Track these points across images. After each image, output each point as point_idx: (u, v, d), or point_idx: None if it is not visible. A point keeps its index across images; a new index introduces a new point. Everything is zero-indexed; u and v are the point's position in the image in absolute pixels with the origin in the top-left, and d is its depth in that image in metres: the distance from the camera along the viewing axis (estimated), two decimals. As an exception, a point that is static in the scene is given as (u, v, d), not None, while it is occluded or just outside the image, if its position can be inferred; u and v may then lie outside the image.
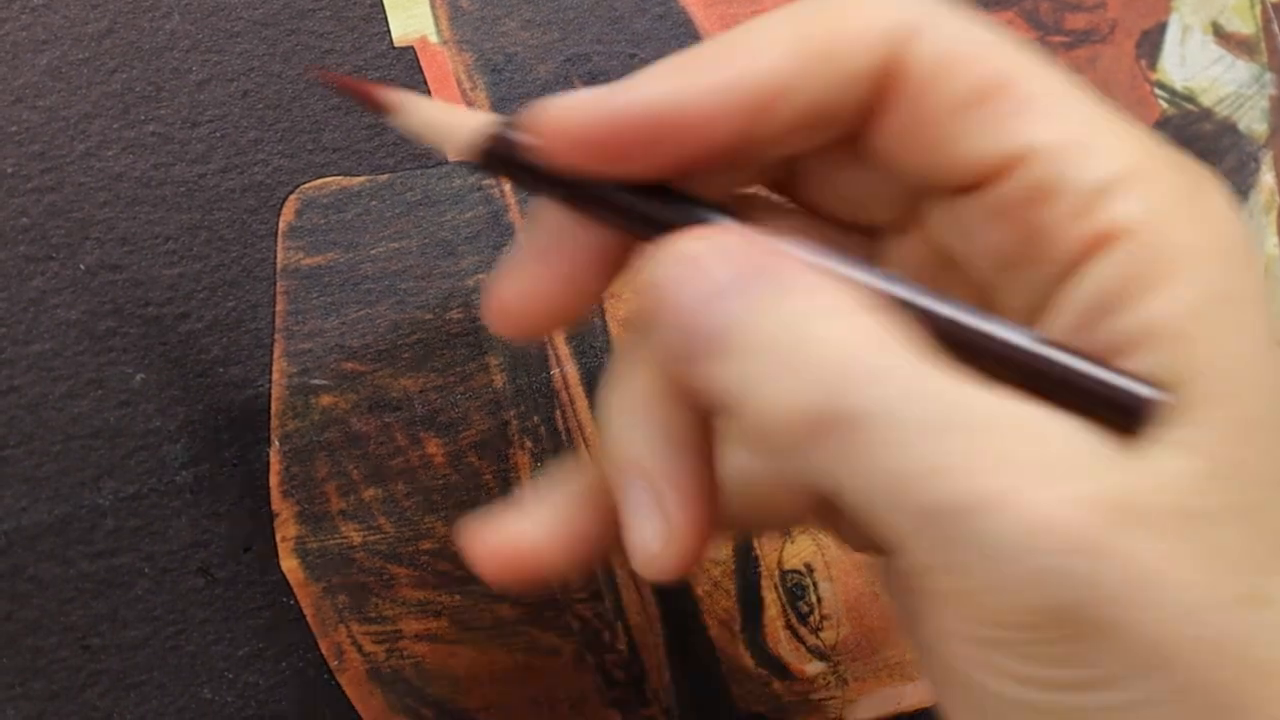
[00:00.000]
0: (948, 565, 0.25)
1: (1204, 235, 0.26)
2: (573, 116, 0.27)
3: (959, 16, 0.27)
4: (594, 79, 0.36)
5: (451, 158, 0.30)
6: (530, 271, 0.29)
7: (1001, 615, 0.25)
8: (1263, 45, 0.42)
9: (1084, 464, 0.25)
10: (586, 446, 0.34)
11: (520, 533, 0.30)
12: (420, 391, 0.33)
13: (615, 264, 0.29)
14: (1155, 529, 0.24)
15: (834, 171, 0.29)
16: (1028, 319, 0.27)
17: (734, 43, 0.27)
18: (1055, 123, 0.27)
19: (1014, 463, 0.25)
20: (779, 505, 0.31)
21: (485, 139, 0.27)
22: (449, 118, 0.28)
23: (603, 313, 0.35)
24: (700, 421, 0.29)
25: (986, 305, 0.27)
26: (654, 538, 0.29)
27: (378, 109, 0.28)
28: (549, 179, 0.27)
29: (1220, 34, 0.42)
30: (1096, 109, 0.27)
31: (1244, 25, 0.42)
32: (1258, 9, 0.42)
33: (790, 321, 0.26)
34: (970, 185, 0.27)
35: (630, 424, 0.29)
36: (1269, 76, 0.42)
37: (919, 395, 0.25)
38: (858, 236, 0.29)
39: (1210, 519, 0.25)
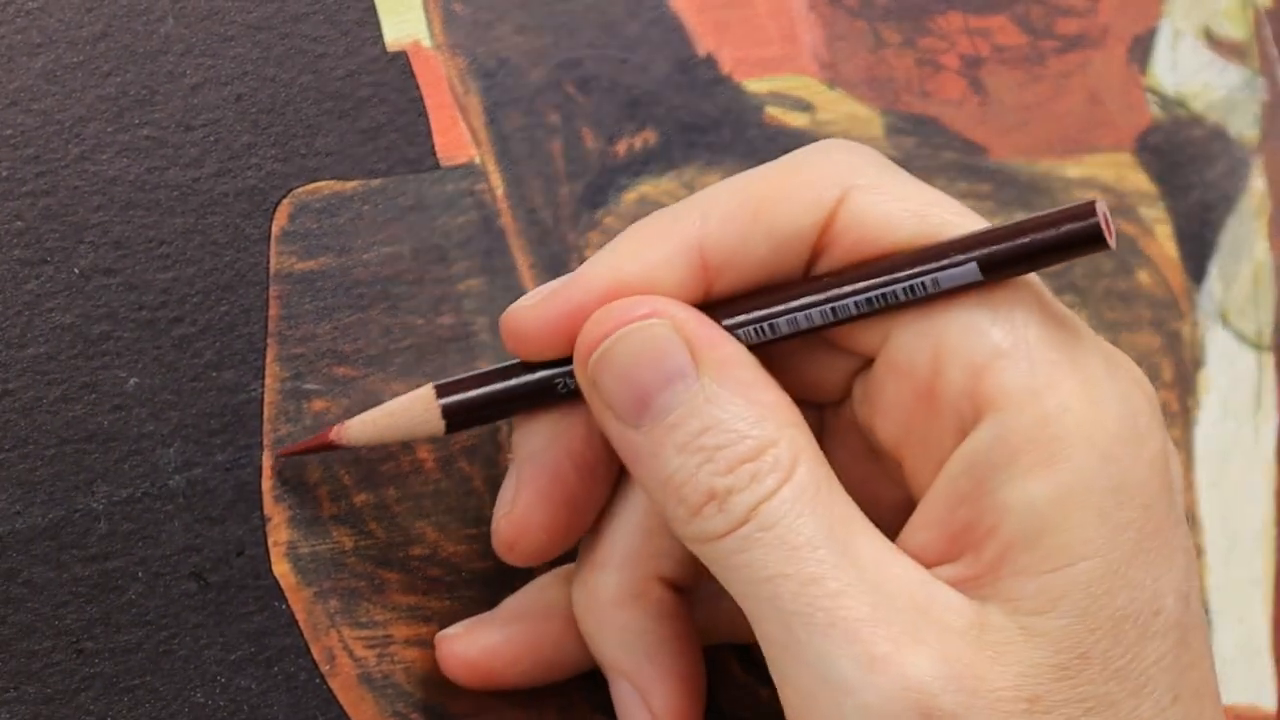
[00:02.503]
0: (796, 685, 0.26)
1: (1089, 416, 0.26)
2: (534, 318, 0.30)
3: (890, 179, 0.29)
4: (586, 83, 0.36)
5: (426, 438, 0.33)
6: (528, 506, 0.31)
7: None
8: (1254, 50, 0.42)
9: (952, 640, 0.25)
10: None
11: (490, 646, 0.32)
12: (412, 396, 0.34)
13: (604, 479, 0.31)
14: (998, 713, 0.25)
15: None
16: (926, 488, 0.28)
17: (680, 215, 0.29)
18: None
19: (888, 624, 0.26)
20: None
21: (441, 408, 0.31)
22: (397, 410, 0.31)
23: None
24: (671, 607, 0.31)
25: (897, 479, 0.29)
26: None
27: (330, 448, 0.32)
28: (512, 397, 0.30)
29: (1212, 39, 0.42)
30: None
31: (1235, 30, 0.42)
32: (1249, 14, 0.42)
33: (715, 421, 0.27)
34: (876, 347, 0.28)
35: (605, 629, 0.31)
36: (1260, 81, 0.42)
37: (821, 550, 0.26)
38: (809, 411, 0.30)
39: (1053, 712, 0.25)
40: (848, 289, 0.28)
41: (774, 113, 0.37)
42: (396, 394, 0.33)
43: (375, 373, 0.33)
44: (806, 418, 0.29)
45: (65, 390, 0.32)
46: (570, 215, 0.35)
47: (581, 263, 0.35)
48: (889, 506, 0.29)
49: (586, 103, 0.36)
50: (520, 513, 0.31)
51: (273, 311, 0.33)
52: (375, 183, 0.34)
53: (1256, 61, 0.42)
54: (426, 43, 0.35)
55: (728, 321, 0.29)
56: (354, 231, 0.34)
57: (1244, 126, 0.41)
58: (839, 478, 0.28)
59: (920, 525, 0.28)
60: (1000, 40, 0.39)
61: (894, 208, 0.28)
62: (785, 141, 0.37)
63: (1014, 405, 0.26)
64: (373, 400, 0.33)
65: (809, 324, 0.29)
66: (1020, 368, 0.26)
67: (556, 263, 0.35)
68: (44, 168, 0.32)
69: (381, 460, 0.33)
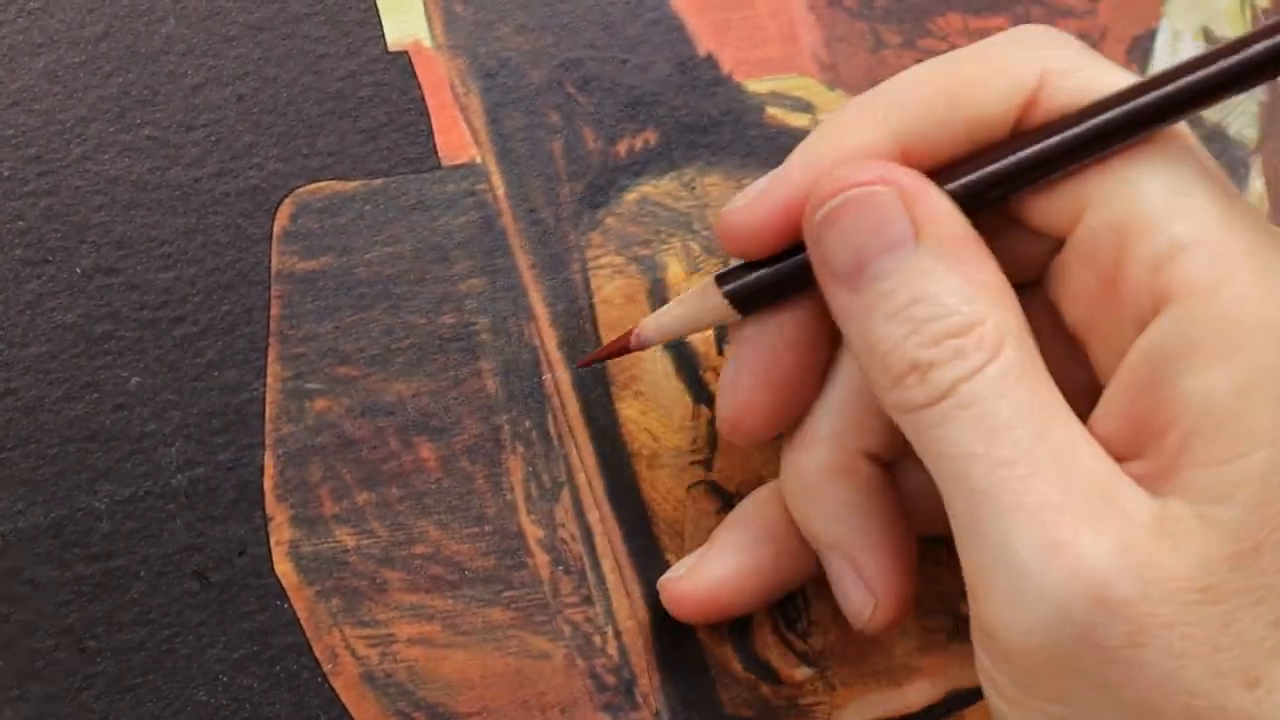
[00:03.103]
0: (978, 563, 0.26)
1: (1267, 307, 0.26)
2: (748, 217, 0.30)
3: (1086, 62, 0.29)
4: (587, 84, 0.36)
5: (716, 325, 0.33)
6: (748, 387, 0.32)
7: (1010, 633, 0.26)
8: (1253, 51, 0.42)
9: (1133, 530, 0.26)
10: (578, 451, 0.35)
11: (716, 580, 0.33)
12: (413, 396, 0.34)
13: (819, 360, 0.32)
14: (1172, 602, 0.25)
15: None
16: (1110, 374, 0.28)
17: (877, 103, 0.30)
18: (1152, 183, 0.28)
19: (1072, 511, 0.26)
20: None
21: (726, 291, 0.31)
22: (688, 301, 0.32)
23: (594, 319, 0.35)
24: (878, 482, 0.31)
25: (1079, 357, 0.29)
26: (863, 605, 0.32)
27: (626, 352, 0.33)
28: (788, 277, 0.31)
29: (1211, 39, 0.42)
30: (1201, 179, 0.27)
31: (1234, 31, 0.42)
32: (1248, 14, 0.42)
33: (926, 294, 0.27)
34: (1067, 229, 0.29)
35: (817, 505, 0.31)
36: (1259, 82, 0.42)
37: (1023, 425, 0.26)
38: None
39: (1226, 601, 0.25)
40: (1057, 138, 0.28)
41: (774, 113, 0.37)
42: (398, 393, 0.33)
43: (377, 372, 0.33)
44: None
45: (67, 389, 0.32)
46: (571, 215, 0.35)
47: (582, 264, 0.35)
48: (1077, 389, 0.29)
49: (587, 103, 0.36)
50: (742, 394, 0.32)
51: (274, 311, 0.33)
52: (376, 182, 0.34)
53: (1255, 62, 0.42)
54: (427, 43, 0.35)
55: (950, 186, 0.29)
56: (355, 231, 0.34)
57: (1242, 126, 0.41)
58: None
59: (1105, 414, 0.28)
60: (999, 41, 0.39)
61: (1092, 90, 0.28)
62: (786, 141, 0.37)
63: (1192, 297, 0.26)
64: (374, 400, 0.33)
65: (1013, 184, 0.29)
66: (1199, 261, 0.26)
67: (557, 262, 0.35)
68: (46, 167, 0.32)
69: (383, 459, 0.33)
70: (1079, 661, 0.25)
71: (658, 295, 0.36)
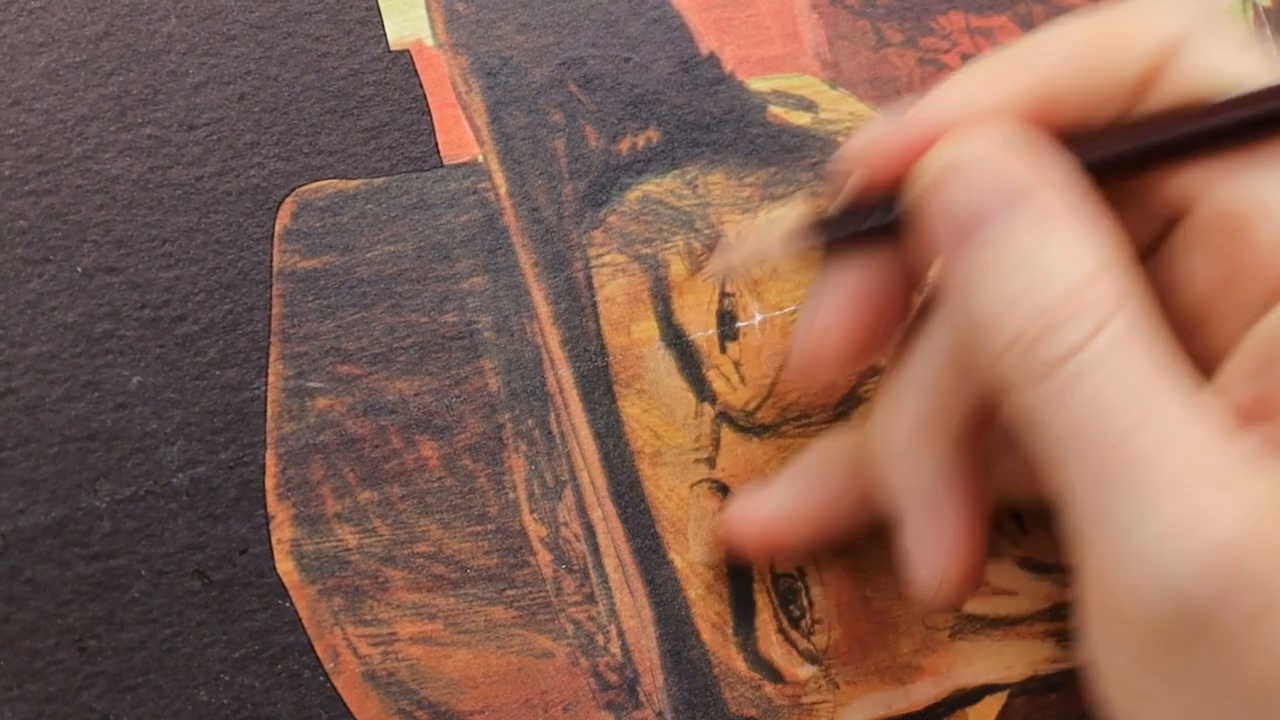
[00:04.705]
0: (1100, 536, 0.26)
1: None
2: (882, 147, 0.30)
3: (1219, 35, 0.29)
4: (589, 82, 0.36)
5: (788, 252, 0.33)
6: (832, 317, 0.31)
7: (1138, 605, 0.25)
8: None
9: (1261, 499, 0.25)
10: (581, 450, 0.34)
11: (775, 507, 0.34)
12: (415, 394, 0.34)
13: (900, 306, 0.31)
14: None
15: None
16: (1227, 351, 0.28)
17: (1022, 53, 0.29)
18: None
19: (1205, 482, 0.25)
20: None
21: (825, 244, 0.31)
22: (770, 230, 0.32)
23: (596, 317, 0.35)
24: (962, 452, 0.31)
25: (1191, 343, 0.29)
26: (932, 574, 0.31)
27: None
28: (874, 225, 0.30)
29: (1213, 38, 0.42)
30: None
31: (1235, 30, 0.42)
32: (1250, 13, 0.42)
33: (1036, 255, 0.27)
34: (1185, 209, 0.28)
35: (902, 470, 0.31)
36: (1261, 81, 0.42)
37: (1134, 392, 0.26)
38: None
39: None
40: (1186, 126, 0.28)
41: (777, 111, 0.37)
42: (400, 392, 0.33)
43: (379, 371, 0.33)
44: None
45: (68, 389, 0.32)
46: (573, 214, 0.35)
47: (585, 262, 0.35)
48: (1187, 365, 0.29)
49: (589, 101, 0.36)
50: (825, 317, 0.31)
51: (276, 310, 0.33)
52: (378, 181, 0.34)
53: (1258, 61, 0.42)
54: (429, 42, 0.35)
55: (1074, 154, 0.28)
56: (357, 230, 0.34)
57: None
58: None
59: (1223, 388, 0.27)
60: (1002, 40, 0.39)
61: (1220, 68, 0.28)
62: (788, 140, 0.37)
63: None
64: (376, 399, 0.33)
65: (1139, 166, 0.28)
66: None
67: (560, 261, 0.35)
68: (47, 167, 0.32)
69: (385, 458, 0.33)
70: (1203, 636, 0.25)
71: (660, 294, 0.35)
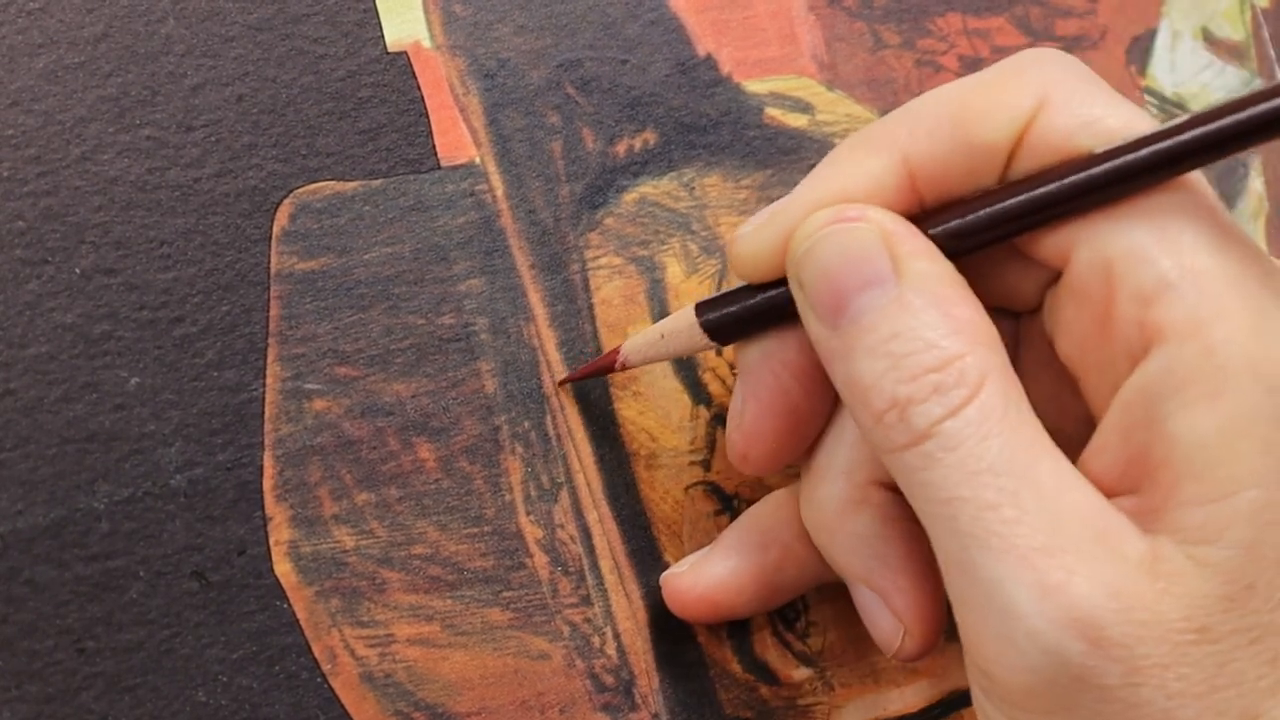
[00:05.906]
0: (969, 604, 0.26)
1: (1255, 348, 0.26)
2: (755, 242, 0.30)
3: (1085, 91, 0.29)
4: (586, 84, 0.36)
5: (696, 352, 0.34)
6: (755, 417, 0.32)
7: (1005, 673, 0.26)
8: (1252, 51, 0.42)
9: (1126, 571, 0.25)
10: (577, 452, 0.35)
11: (716, 580, 0.34)
12: (412, 396, 0.34)
13: (826, 389, 0.31)
14: (1167, 643, 0.25)
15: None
16: (1103, 410, 0.28)
17: (888, 129, 0.30)
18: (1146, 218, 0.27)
19: (1063, 553, 0.25)
20: None
21: (702, 322, 0.31)
22: (668, 331, 0.32)
23: (593, 319, 0.35)
24: (896, 510, 0.31)
25: (1074, 391, 0.29)
26: (892, 634, 0.31)
27: (610, 371, 0.34)
28: (765, 310, 0.31)
29: (1210, 40, 0.42)
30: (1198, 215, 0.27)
31: (1234, 31, 0.42)
32: (1248, 15, 0.42)
33: (906, 329, 0.27)
34: (1062, 261, 0.28)
35: (838, 538, 0.32)
36: (1258, 82, 0.42)
37: (1005, 460, 0.26)
38: (1007, 319, 0.31)
39: (1221, 641, 0.25)
40: (1037, 192, 0.28)
41: (773, 113, 0.37)
42: (397, 394, 0.33)
43: (376, 372, 0.33)
44: (1004, 325, 0.29)
45: (66, 390, 0.32)
46: (570, 215, 0.35)
47: (582, 264, 0.35)
48: (1076, 418, 0.29)
49: (586, 103, 0.36)
50: (749, 424, 0.32)
51: (273, 311, 0.33)
52: (376, 183, 0.34)
53: (1254, 62, 0.42)
54: (427, 43, 0.35)
55: (933, 231, 0.29)
56: (354, 232, 0.34)
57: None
58: (1030, 386, 0.28)
59: (1098, 450, 0.28)
60: (999, 41, 0.39)
61: (1087, 121, 0.28)
62: (785, 142, 0.37)
63: (1180, 337, 0.26)
64: (373, 401, 0.33)
65: (1002, 231, 0.29)
66: (1187, 300, 0.26)
67: (556, 263, 0.35)
68: (45, 168, 0.32)
69: (383, 460, 0.33)
70: (1076, 700, 0.25)
71: (656, 296, 0.36)
